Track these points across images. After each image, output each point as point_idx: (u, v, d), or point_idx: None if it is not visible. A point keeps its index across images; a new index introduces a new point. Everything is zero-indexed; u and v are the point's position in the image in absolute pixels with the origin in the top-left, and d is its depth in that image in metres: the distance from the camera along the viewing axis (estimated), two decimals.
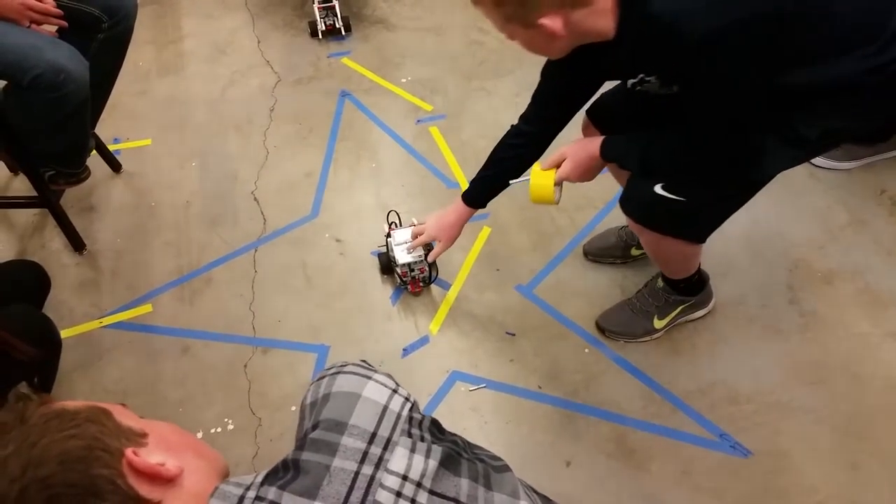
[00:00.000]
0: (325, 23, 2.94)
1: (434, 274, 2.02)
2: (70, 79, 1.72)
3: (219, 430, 1.75)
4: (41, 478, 0.62)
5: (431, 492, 0.74)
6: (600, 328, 1.91)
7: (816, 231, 2.13)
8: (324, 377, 0.83)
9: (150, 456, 0.70)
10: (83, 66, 1.77)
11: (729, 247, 2.09)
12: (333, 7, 2.94)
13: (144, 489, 0.67)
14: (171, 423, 0.80)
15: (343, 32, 2.98)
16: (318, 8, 2.95)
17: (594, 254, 2.09)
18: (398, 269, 1.96)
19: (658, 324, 1.86)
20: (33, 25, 1.77)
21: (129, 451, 0.68)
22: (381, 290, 2.05)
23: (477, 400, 1.80)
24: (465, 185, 2.31)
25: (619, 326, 1.89)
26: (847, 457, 1.64)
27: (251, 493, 0.70)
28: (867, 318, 1.92)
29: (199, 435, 1.74)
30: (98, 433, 0.67)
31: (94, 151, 2.26)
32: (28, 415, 0.67)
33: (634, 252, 2.04)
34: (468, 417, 1.76)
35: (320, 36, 2.97)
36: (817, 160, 2.28)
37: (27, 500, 0.61)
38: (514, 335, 1.92)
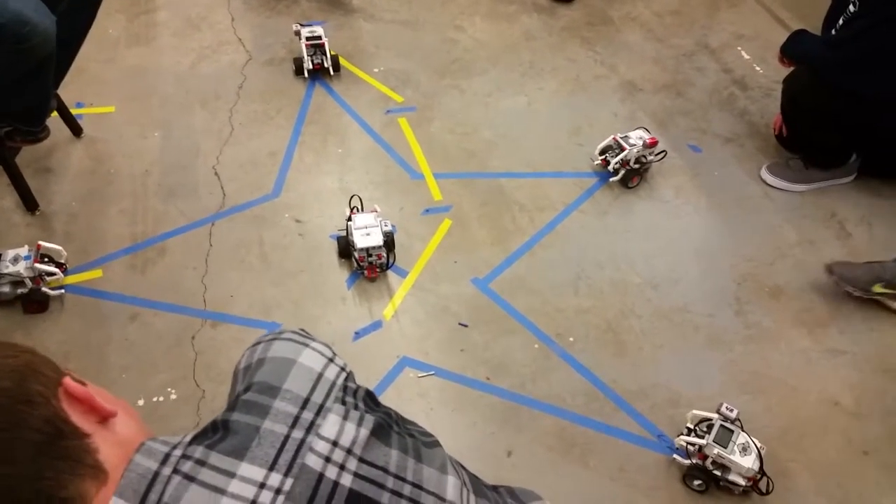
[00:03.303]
0: (312, 61, 2.67)
1: (391, 260, 2.03)
2: (35, 32, 1.69)
3: (161, 399, 1.73)
4: None
5: (361, 459, 0.74)
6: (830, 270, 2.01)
7: (767, 248, 2.19)
8: (260, 343, 0.83)
9: None
10: (49, 20, 1.74)
11: (682, 257, 2.14)
12: (323, 45, 2.66)
13: (76, 417, 0.67)
14: None
15: (332, 73, 2.72)
16: (306, 45, 2.65)
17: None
18: (356, 254, 1.96)
19: (877, 288, 1.97)
20: None
21: (66, 378, 0.68)
22: (338, 273, 2.05)
23: (425, 386, 1.80)
24: (429, 177, 2.34)
25: (849, 271, 1.99)
26: (779, 466, 1.69)
27: (177, 452, 0.69)
28: (809, 334, 1.97)
29: (141, 402, 1.72)
30: (36, 362, 0.68)
31: (56, 113, 2.23)
32: None
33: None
34: (415, 403, 1.76)
35: (306, 75, 2.69)
36: (773, 181, 2.35)
37: None
38: (466, 326, 1.94)
